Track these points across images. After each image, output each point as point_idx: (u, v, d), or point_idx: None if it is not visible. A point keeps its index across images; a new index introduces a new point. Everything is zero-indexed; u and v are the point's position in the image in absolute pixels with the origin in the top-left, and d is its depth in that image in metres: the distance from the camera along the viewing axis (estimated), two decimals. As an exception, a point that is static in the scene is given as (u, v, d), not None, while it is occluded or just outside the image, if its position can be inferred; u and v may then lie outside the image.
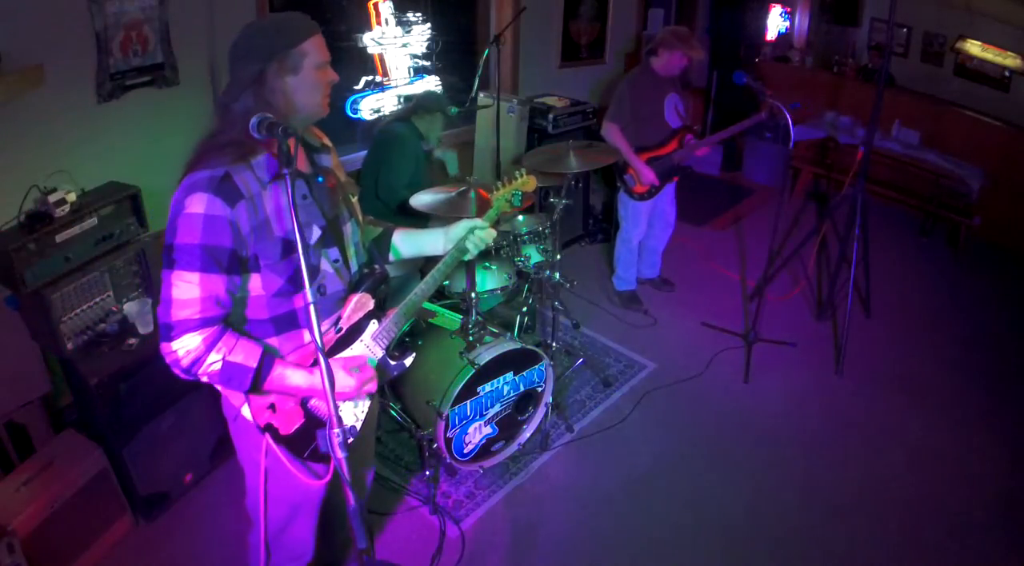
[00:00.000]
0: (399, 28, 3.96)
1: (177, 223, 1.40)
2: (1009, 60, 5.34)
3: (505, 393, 2.74)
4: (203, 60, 3.27)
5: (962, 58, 5.74)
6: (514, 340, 2.78)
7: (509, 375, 2.72)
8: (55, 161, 2.58)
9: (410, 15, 4.00)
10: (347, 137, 4.28)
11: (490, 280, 3.01)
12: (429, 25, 4.10)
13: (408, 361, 1.79)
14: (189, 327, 1.39)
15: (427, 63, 4.15)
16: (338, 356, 1.63)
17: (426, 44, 4.11)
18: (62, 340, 2.37)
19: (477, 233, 1.80)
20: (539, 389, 2.87)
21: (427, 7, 4.31)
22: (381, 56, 3.96)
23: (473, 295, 2.74)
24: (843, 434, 3.15)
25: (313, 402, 1.60)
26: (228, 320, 1.48)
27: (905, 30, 6.06)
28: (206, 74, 3.30)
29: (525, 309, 3.50)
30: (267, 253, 1.47)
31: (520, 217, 3.47)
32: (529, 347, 2.74)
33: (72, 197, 2.40)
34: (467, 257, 1.83)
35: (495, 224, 1.87)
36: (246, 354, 1.45)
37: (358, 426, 1.67)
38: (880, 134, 5.13)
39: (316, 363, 1.57)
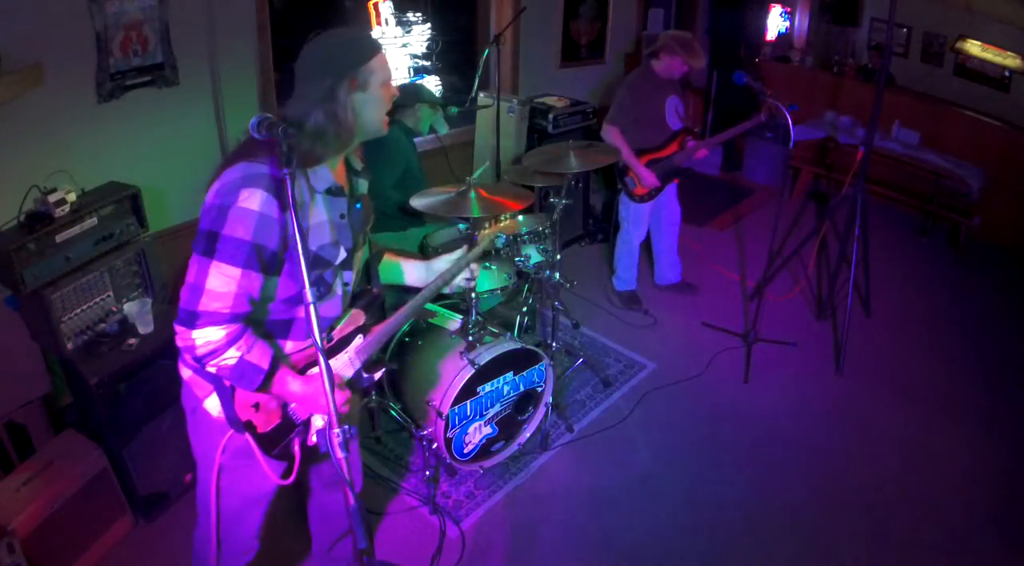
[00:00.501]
0: (399, 28, 3.97)
1: (229, 213, 1.37)
2: (1009, 60, 5.33)
3: (505, 393, 2.74)
4: (203, 60, 3.27)
5: (962, 58, 5.73)
6: (514, 340, 2.78)
7: (509, 375, 2.72)
8: (55, 161, 2.58)
9: (410, 15, 4.01)
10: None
11: (490, 280, 3.01)
12: (429, 25, 4.10)
13: (378, 375, 1.80)
14: (216, 320, 1.39)
15: (427, 63, 4.15)
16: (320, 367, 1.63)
17: (426, 44, 4.12)
18: (62, 340, 2.37)
19: (463, 274, 1.87)
20: (539, 389, 2.88)
21: (427, 7, 4.31)
22: (381, 56, 3.96)
23: (473, 295, 2.74)
24: (843, 434, 3.15)
25: (293, 405, 1.61)
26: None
27: (905, 30, 6.05)
28: (206, 74, 3.30)
29: (525, 309, 3.50)
30: (295, 260, 1.45)
31: (520, 217, 3.47)
32: (529, 347, 2.74)
33: (72, 197, 2.40)
34: (446, 290, 1.89)
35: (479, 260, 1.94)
36: (260, 355, 1.46)
37: (316, 440, 1.64)
38: (880, 134, 5.13)
39: (306, 370, 1.59)
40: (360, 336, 1.71)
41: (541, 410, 2.91)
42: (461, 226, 2.86)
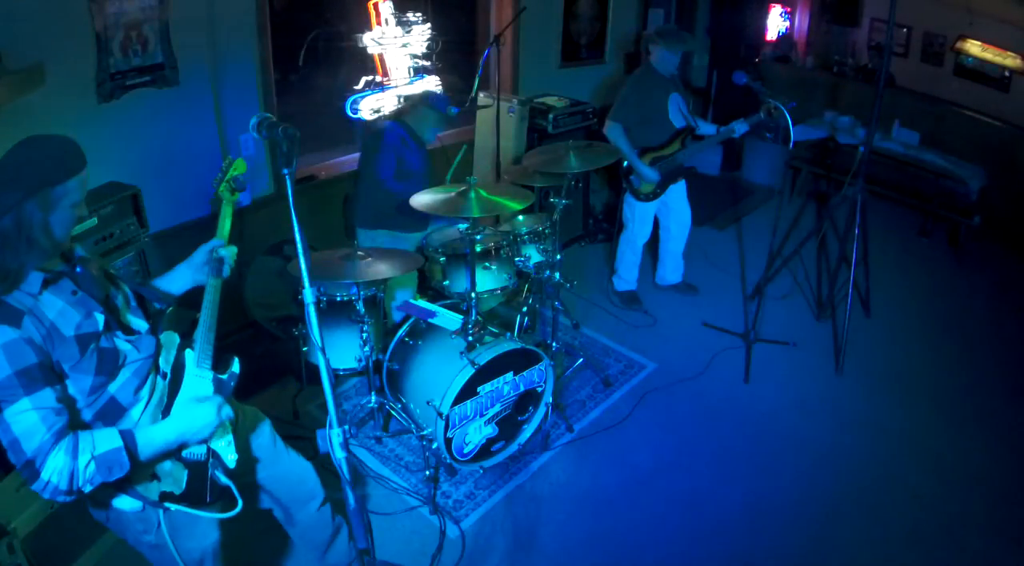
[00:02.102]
0: (399, 28, 3.96)
1: None
2: (1009, 60, 5.33)
3: (505, 393, 2.74)
4: (203, 60, 3.27)
5: (962, 58, 5.73)
6: (514, 340, 2.78)
7: (509, 375, 2.72)
8: (55, 161, 2.57)
9: (410, 15, 4.00)
10: (347, 137, 4.28)
11: (490, 280, 3.01)
12: (429, 25, 4.09)
13: (236, 367, 1.70)
14: (47, 451, 1.35)
15: (427, 63, 4.15)
16: (179, 398, 1.59)
17: (426, 44, 4.11)
18: (62, 340, 2.37)
19: (219, 253, 1.78)
20: (539, 389, 2.88)
21: (427, 7, 4.31)
22: (381, 56, 3.96)
23: (473, 295, 2.74)
24: (843, 434, 3.15)
25: (186, 451, 1.57)
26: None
27: (905, 30, 6.05)
28: (206, 74, 3.31)
29: (525, 309, 3.50)
30: (67, 356, 1.43)
31: (520, 217, 3.48)
32: (529, 347, 2.74)
33: (72, 197, 2.40)
34: (225, 273, 1.78)
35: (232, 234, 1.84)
36: (106, 439, 1.41)
37: (235, 458, 1.63)
38: (880, 134, 5.13)
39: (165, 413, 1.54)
40: (188, 350, 1.66)
41: (541, 410, 2.91)
42: (461, 226, 2.86)
